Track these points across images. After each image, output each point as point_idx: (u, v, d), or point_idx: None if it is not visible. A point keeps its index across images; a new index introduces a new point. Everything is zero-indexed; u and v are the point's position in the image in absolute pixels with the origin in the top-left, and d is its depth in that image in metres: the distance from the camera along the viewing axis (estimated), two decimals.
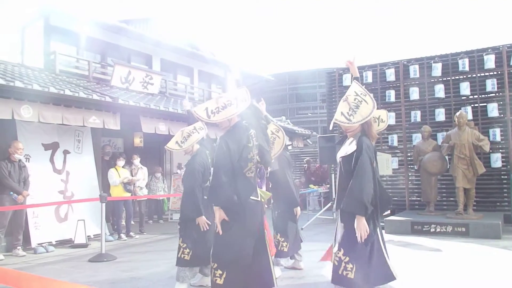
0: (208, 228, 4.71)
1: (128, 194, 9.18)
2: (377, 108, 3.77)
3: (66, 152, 8.70)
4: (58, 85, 8.15)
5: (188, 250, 4.73)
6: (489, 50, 9.75)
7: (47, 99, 7.45)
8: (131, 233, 9.21)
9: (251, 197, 3.77)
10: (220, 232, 3.68)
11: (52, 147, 8.47)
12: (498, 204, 9.67)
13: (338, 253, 3.53)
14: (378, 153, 8.95)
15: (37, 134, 8.21)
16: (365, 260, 3.46)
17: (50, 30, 10.70)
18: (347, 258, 3.46)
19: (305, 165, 16.77)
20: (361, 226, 3.40)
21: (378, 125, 5.25)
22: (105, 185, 9.30)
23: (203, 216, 4.69)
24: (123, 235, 8.99)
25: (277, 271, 5.51)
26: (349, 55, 4.17)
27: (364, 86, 3.84)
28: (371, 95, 3.74)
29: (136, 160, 9.83)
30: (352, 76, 4.02)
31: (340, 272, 3.47)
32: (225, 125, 3.88)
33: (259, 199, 3.88)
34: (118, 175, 9.06)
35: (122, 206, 9.14)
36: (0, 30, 9.26)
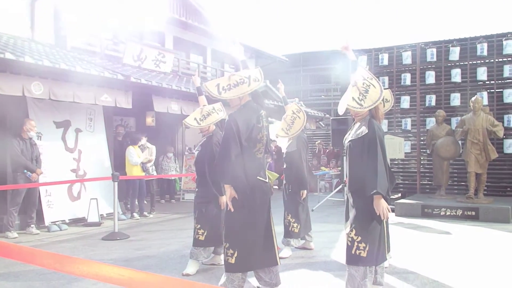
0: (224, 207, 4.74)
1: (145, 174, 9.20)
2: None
3: (78, 131, 8.67)
4: (69, 61, 8.00)
5: (202, 231, 4.80)
6: (508, 35, 9.56)
7: (58, 76, 7.30)
8: (145, 213, 9.24)
9: (259, 177, 3.77)
10: (232, 210, 3.70)
11: (64, 125, 8.44)
12: (509, 189, 9.64)
13: (350, 233, 3.61)
14: (391, 136, 9.00)
15: (49, 112, 8.16)
16: (376, 239, 3.55)
17: (61, 4, 10.41)
18: (359, 238, 3.54)
19: (316, 148, 16.84)
20: (383, 205, 3.46)
21: (384, 105, 5.23)
22: (117, 164, 9.33)
23: (224, 196, 4.71)
24: (136, 214, 9.03)
25: (287, 251, 5.57)
26: (341, 40, 4.08)
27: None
28: (377, 78, 3.75)
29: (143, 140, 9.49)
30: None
31: (353, 252, 3.56)
32: (236, 103, 3.86)
33: (266, 180, 3.89)
34: (138, 154, 9.01)
35: (137, 185, 9.13)
36: (9, 3, 9.00)
